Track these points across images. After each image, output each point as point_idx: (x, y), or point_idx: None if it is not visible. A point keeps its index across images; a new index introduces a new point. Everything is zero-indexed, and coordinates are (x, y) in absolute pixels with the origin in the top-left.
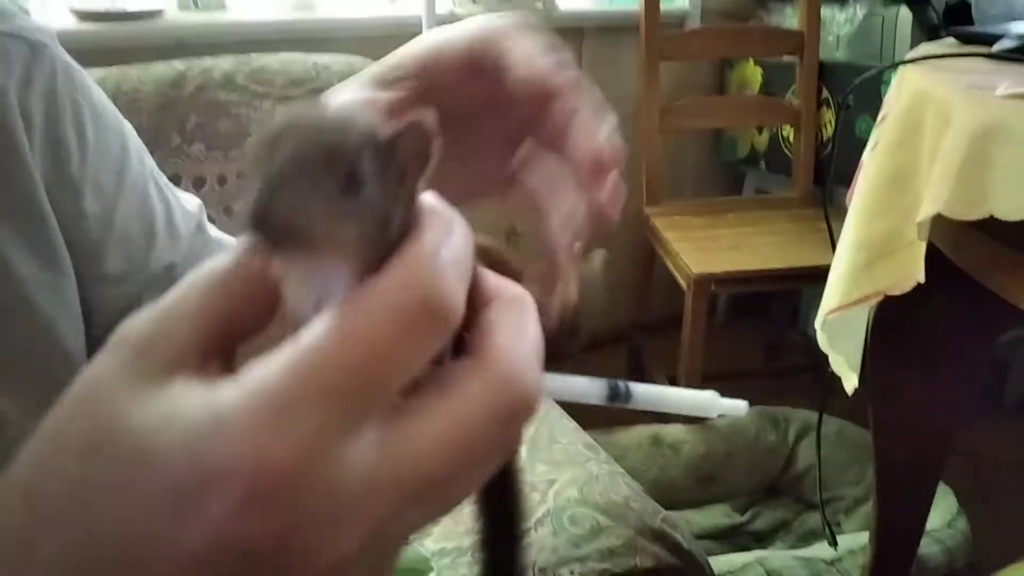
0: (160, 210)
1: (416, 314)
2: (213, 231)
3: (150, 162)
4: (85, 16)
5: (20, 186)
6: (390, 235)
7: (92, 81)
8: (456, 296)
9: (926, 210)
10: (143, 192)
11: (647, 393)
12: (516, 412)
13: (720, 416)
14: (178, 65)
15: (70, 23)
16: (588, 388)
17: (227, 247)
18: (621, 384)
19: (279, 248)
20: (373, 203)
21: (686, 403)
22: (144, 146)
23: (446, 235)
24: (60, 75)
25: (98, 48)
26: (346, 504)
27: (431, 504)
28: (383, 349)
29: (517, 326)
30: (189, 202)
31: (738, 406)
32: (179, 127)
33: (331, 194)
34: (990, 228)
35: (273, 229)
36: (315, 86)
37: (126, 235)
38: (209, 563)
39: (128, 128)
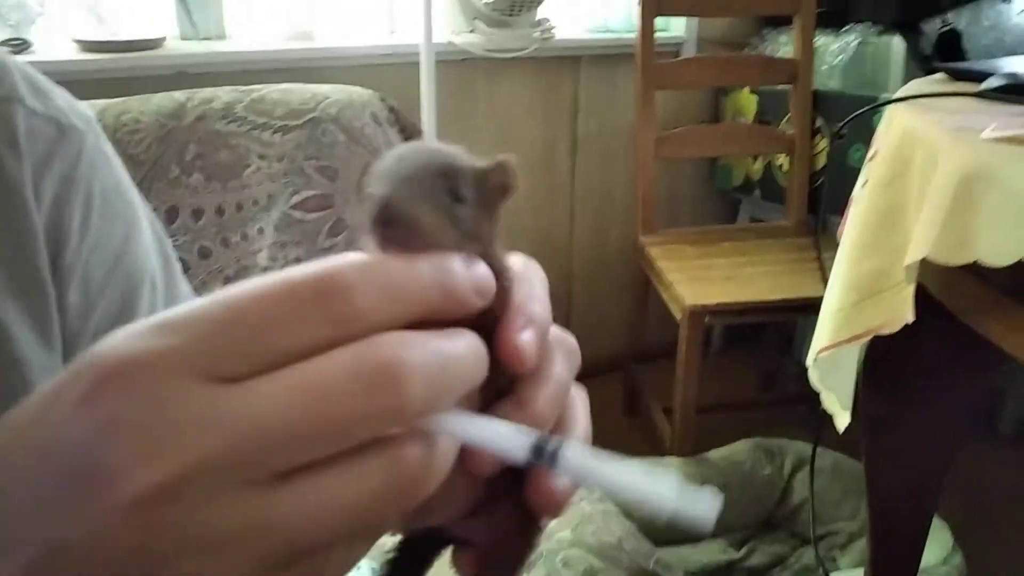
0: (144, 311)
1: (305, 292)
2: None
3: (149, 264)
4: (88, 46)
5: (32, 263)
6: (477, 247)
7: (123, 173)
8: (356, 298)
9: (913, 254)
10: (133, 290)
11: (582, 464)
12: (378, 376)
13: (672, 515)
14: (178, 96)
15: (73, 53)
16: (508, 437)
17: None
18: (552, 443)
19: (394, 238)
20: (469, 215)
21: (633, 488)
22: (165, 240)
23: (408, 265)
24: (84, 161)
25: (100, 78)
26: (171, 427)
27: (281, 461)
28: (259, 306)
29: (428, 334)
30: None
31: (703, 515)
32: (178, 157)
33: (442, 201)
34: (978, 270)
35: (393, 221)
36: (314, 116)
37: (100, 331)
38: (50, 466)
39: (146, 223)
